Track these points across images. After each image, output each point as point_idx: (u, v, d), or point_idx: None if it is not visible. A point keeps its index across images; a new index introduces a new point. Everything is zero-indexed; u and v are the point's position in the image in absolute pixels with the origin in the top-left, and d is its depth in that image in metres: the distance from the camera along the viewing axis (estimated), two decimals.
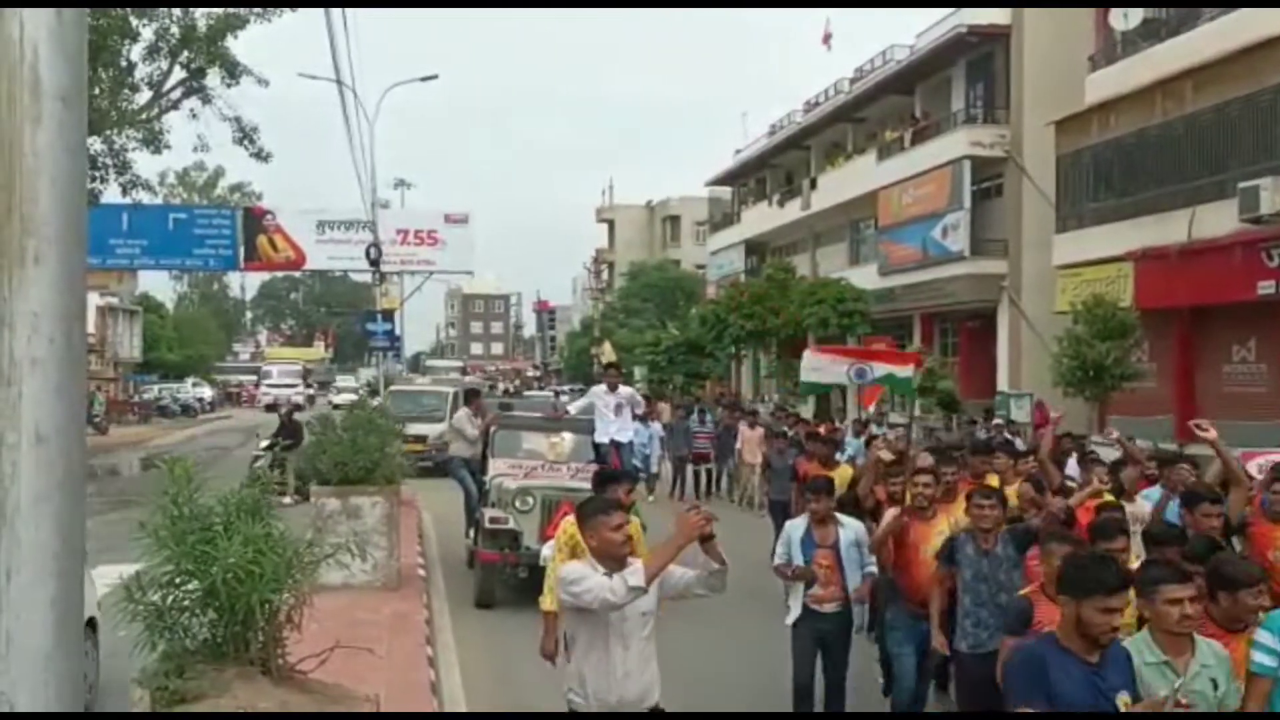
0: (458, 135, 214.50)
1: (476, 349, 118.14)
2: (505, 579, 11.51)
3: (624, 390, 13.21)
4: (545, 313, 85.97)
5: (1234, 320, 21.32)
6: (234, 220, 37.44)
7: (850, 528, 7.50)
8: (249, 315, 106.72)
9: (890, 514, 7.87)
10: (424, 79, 33.46)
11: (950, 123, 30.61)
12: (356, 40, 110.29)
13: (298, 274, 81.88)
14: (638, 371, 43.97)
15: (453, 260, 38.39)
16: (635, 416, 13.64)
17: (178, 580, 3.96)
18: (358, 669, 6.79)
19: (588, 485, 10.53)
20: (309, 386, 63.74)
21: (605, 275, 77.07)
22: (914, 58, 32.37)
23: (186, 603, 3.99)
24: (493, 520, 11.33)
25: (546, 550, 7.40)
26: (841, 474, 10.65)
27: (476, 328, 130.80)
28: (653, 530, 8.26)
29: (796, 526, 7.52)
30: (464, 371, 62.91)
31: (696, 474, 22.46)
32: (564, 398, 22.13)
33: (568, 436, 12.73)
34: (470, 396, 15.29)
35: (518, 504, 11.31)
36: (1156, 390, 22.36)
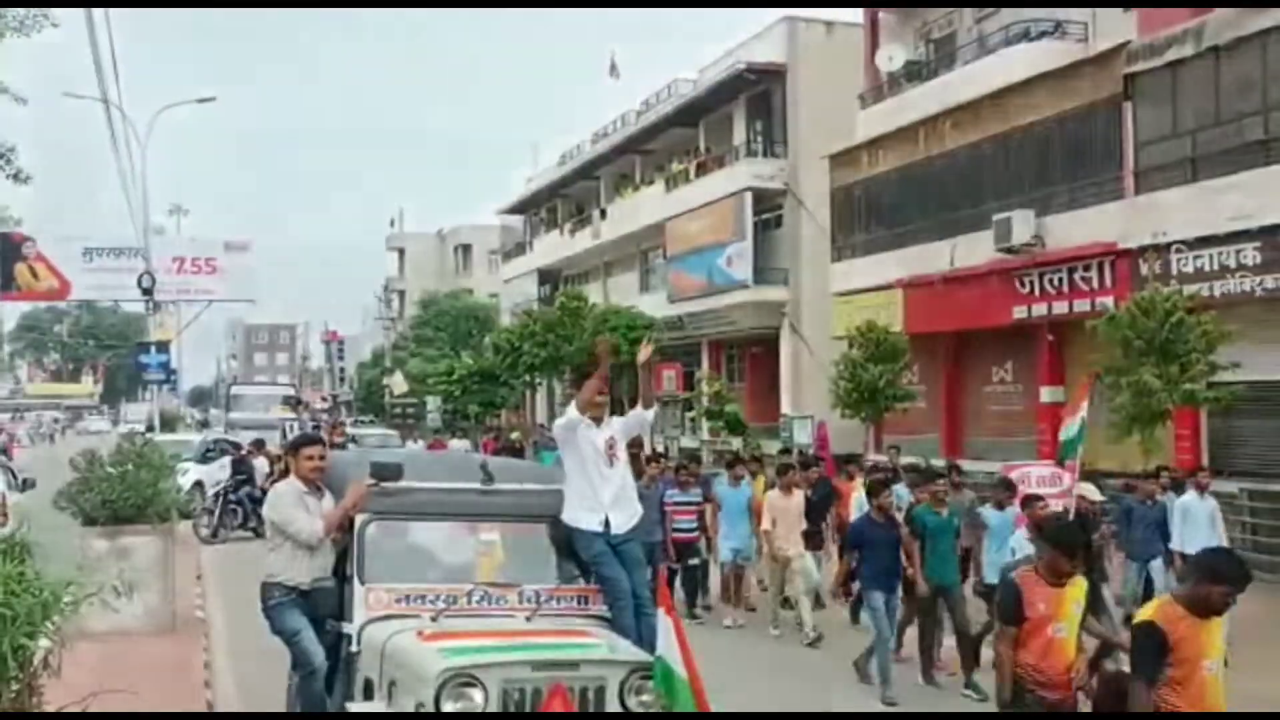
0: (236, 162, 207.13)
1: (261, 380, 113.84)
2: None
3: (620, 421, 6.98)
4: (334, 343, 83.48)
5: (993, 344, 22.85)
6: None
7: None
8: (8, 349, 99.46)
9: None
10: (200, 100, 32.32)
11: (733, 156, 31.67)
12: (127, 62, 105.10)
13: (63, 304, 76.90)
14: (431, 401, 43.35)
15: (233, 289, 37.04)
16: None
17: None
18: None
19: (578, 652, 5.55)
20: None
21: (396, 304, 75.72)
22: (696, 93, 33.36)
23: None
24: None
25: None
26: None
27: (261, 359, 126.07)
28: None
29: None
30: (296, 402, 45.97)
31: (673, 573, 12.45)
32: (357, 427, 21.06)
33: (512, 528, 6.52)
34: (298, 447, 6.77)
35: (448, 699, 5.20)
36: (926, 410, 23.73)
